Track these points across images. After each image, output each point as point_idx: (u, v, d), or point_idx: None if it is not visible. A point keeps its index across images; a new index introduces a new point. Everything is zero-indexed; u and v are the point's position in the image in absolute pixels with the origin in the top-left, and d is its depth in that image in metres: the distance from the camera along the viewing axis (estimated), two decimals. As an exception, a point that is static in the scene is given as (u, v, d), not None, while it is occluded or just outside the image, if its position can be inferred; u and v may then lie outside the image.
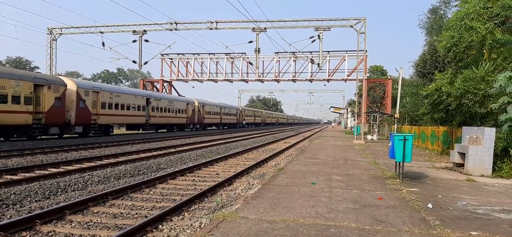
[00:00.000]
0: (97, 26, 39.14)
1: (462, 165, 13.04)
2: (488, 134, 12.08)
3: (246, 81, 51.30)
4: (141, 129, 39.39)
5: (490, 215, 7.02)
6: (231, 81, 51.13)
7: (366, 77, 41.97)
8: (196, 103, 51.50)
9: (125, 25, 39.13)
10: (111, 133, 33.68)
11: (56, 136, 26.70)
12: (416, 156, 17.87)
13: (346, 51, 45.95)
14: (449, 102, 15.97)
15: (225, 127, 66.65)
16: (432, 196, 8.62)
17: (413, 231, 5.82)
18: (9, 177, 11.49)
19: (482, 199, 8.50)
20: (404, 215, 6.76)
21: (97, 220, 7.19)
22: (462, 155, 12.99)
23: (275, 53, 47.90)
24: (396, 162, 11.01)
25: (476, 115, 15.92)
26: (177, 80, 51.57)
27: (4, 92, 21.19)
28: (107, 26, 39.46)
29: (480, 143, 12.22)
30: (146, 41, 39.02)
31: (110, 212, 7.87)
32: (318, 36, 35.95)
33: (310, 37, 36.54)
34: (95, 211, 7.92)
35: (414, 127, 29.40)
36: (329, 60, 46.22)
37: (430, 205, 7.56)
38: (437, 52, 26.95)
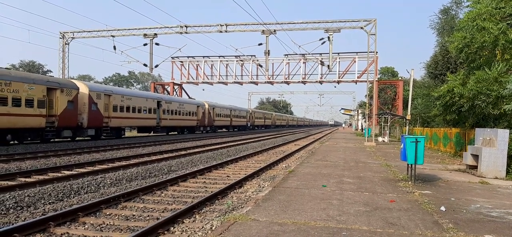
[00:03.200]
0: (109, 30, 39.58)
1: (475, 167, 12.88)
2: (502, 135, 11.91)
3: (256, 83, 51.35)
4: (152, 132, 39.68)
5: (504, 218, 6.92)
6: (241, 83, 51.25)
7: (376, 79, 41.70)
8: (206, 106, 51.70)
9: (136, 29, 39.48)
10: (123, 136, 33.98)
11: (69, 139, 27.04)
12: (428, 158, 17.71)
13: (356, 52, 45.81)
14: (461, 103, 15.78)
15: (235, 130, 66.75)
16: (445, 198, 8.53)
17: (426, 234, 5.77)
18: (23, 179, 11.67)
19: (496, 201, 8.38)
20: (417, 218, 6.70)
21: (109, 222, 7.26)
22: (475, 157, 12.83)
23: (285, 55, 47.92)
24: (408, 164, 10.92)
25: (489, 117, 15.70)
26: (188, 82, 51.87)
27: (18, 95, 21.53)
28: (118, 29, 39.86)
29: (493, 145, 12.06)
30: (157, 44, 39.31)
31: (122, 214, 7.94)
32: (328, 37, 35.81)
33: (320, 39, 36.40)
34: (107, 213, 8.00)
35: (426, 128, 29.11)
36: (339, 61, 46.08)
37: (443, 208, 7.49)
38: (449, 53, 26.69)
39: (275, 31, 36.21)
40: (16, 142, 23.05)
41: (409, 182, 10.53)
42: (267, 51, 37.44)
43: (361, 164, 15.16)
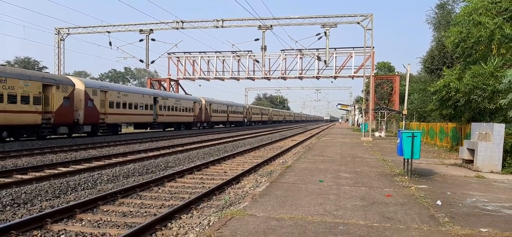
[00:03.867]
0: (104, 26, 39.39)
1: (471, 161, 12.94)
2: (498, 130, 11.97)
3: (252, 79, 51.35)
4: (148, 128, 39.62)
5: (500, 212, 6.97)
6: (237, 79, 51.20)
7: (373, 74, 41.76)
8: (203, 102, 51.64)
9: (132, 25, 39.32)
10: (119, 132, 33.90)
11: (65, 136, 26.94)
12: (424, 152, 17.78)
13: (353, 48, 45.82)
14: (457, 98, 15.83)
15: (232, 125, 66.75)
16: (441, 193, 8.58)
17: (422, 228, 5.80)
18: (19, 176, 11.63)
19: (491, 195, 8.44)
20: (413, 212, 6.74)
21: (107, 219, 7.26)
22: (471, 151, 12.89)
23: (282, 50, 47.89)
24: (404, 159, 10.96)
25: (485, 111, 15.77)
26: (184, 78, 51.76)
27: (13, 92, 21.42)
28: (114, 25, 39.68)
29: (489, 139, 12.12)
30: (153, 40, 39.20)
31: (120, 210, 7.94)
32: (325, 33, 35.83)
33: (317, 34, 36.43)
34: (104, 209, 7.99)
35: (422, 123, 29.22)
36: (336, 57, 46.12)
37: (439, 202, 7.53)
38: (445, 48, 26.72)
39: (271, 26, 36.17)
40: (12, 139, 22.95)
41: (406, 177, 10.57)
42: (263, 47, 37.41)
43: (357, 159, 15.21)
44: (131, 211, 7.86)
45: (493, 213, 6.88)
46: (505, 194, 8.61)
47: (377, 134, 34.91)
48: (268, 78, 50.08)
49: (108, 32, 39.10)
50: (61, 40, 40.30)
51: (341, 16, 35.40)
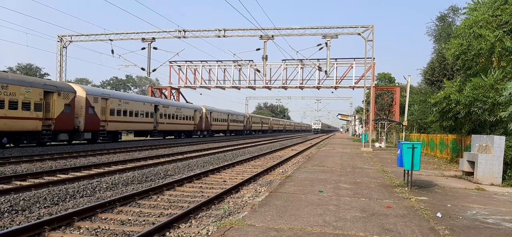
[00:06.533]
0: (107, 34, 39.54)
1: (471, 173, 12.91)
2: (498, 142, 11.95)
3: (253, 88, 51.39)
4: (149, 136, 39.60)
5: (500, 225, 6.93)
6: (238, 88, 51.26)
7: (373, 85, 41.82)
8: (204, 110, 51.67)
9: (134, 33, 39.47)
10: (120, 140, 33.88)
11: (65, 142, 26.93)
12: (424, 164, 17.74)
13: (354, 58, 45.88)
14: (458, 110, 15.84)
15: (232, 134, 66.70)
16: (441, 205, 8.54)
17: (421, 240, 5.77)
18: (18, 183, 11.60)
19: (492, 208, 8.40)
20: (413, 224, 6.70)
21: (105, 227, 7.23)
22: (472, 163, 12.86)
23: (283, 60, 47.98)
24: (404, 170, 10.94)
25: (486, 123, 15.76)
26: (185, 87, 51.82)
27: (14, 98, 21.45)
28: (117, 33, 39.82)
29: (489, 152, 12.09)
30: (155, 48, 39.30)
31: (118, 218, 7.90)
32: (326, 43, 35.92)
33: (318, 45, 36.53)
34: (103, 217, 7.96)
35: (422, 135, 29.18)
36: (336, 67, 46.16)
37: (439, 214, 7.49)
38: (446, 60, 26.83)
39: (273, 36, 36.29)
40: (12, 145, 22.94)
41: (406, 188, 10.54)
42: (265, 56, 37.47)
43: (357, 170, 15.17)
44: (129, 220, 7.83)
45: (493, 226, 6.84)
46: (506, 207, 8.57)
47: (377, 144, 34.88)
48: (269, 88, 50.14)
49: (111, 40, 39.24)
50: (63, 47, 40.45)
51: (342, 27, 35.53)
